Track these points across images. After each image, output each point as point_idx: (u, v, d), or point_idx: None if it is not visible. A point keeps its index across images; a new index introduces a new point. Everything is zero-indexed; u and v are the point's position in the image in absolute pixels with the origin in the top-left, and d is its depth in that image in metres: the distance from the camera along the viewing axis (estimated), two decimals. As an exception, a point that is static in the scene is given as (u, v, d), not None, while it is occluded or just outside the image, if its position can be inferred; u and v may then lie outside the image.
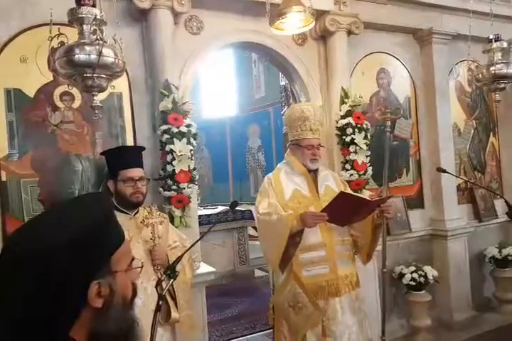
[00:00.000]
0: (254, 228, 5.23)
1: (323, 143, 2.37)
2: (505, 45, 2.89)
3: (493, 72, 2.80)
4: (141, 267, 0.86)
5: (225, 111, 7.64)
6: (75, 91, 2.35)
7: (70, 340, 0.70)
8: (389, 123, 2.73)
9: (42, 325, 0.67)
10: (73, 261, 0.68)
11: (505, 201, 2.57)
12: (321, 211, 2.05)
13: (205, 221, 4.07)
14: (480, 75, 2.86)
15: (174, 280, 1.65)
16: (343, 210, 2.03)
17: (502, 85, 2.85)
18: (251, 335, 3.58)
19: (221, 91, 7.67)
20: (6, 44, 2.28)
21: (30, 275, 0.66)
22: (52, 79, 2.33)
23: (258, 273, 5.53)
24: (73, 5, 1.83)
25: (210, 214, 4.77)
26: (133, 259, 0.80)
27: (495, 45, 2.84)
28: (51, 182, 2.30)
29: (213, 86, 7.59)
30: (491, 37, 2.89)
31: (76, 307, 0.70)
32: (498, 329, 3.48)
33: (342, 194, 2.05)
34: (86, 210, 0.76)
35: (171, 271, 1.64)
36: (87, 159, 2.41)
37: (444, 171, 2.69)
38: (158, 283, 1.65)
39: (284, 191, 2.21)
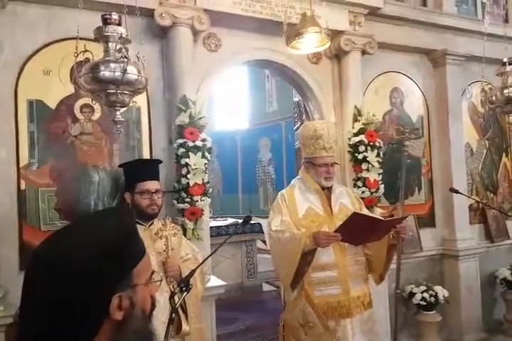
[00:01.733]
0: (263, 241, 5.19)
1: (337, 161, 2.34)
2: (519, 68, 2.87)
3: (506, 94, 2.78)
4: (161, 280, 0.85)
5: (237, 124, 7.70)
6: (92, 103, 2.38)
7: None
8: (407, 143, 2.71)
9: (65, 338, 0.68)
10: (98, 274, 0.69)
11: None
12: (335, 231, 2.01)
13: (214, 232, 4.03)
14: (493, 97, 2.84)
15: (188, 293, 1.63)
16: (357, 230, 1.99)
17: (515, 108, 2.82)
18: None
19: (234, 104, 7.74)
20: (30, 56, 2.34)
21: (56, 288, 0.67)
22: (73, 91, 2.38)
23: (266, 287, 5.47)
24: (98, 20, 1.87)
25: (220, 226, 4.74)
26: (153, 273, 0.80)
27: (509, 68, 2.83)
28: (68, 192, 2.31)
29: (226, 99, 7.66)
30: (505, 60, 2.88)
31: (98, 319, 0.70)
32: (508, 353, 3.40)
33: (355, 215, 2.00)
34: (111, 224, 0.77)
35: (185, 284, 1.63)
36: (104, 170, 2.43)
37: (457, 192, 2.65)
38: (172, 296, 1.63)
39: (297, 208, 2.18)
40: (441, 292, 3.18)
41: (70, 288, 0.67)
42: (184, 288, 1.69)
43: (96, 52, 1.84)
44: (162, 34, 2.61)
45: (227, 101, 7.70)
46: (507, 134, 4.10)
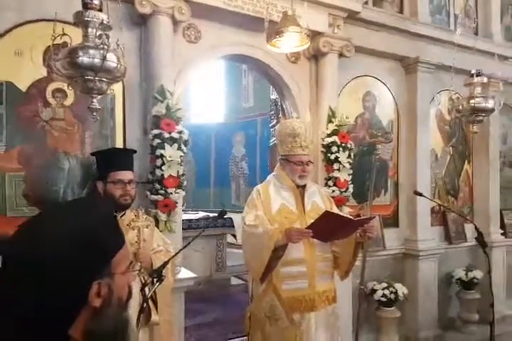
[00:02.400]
0: (234, 236, 5.20)
1: (311, 160, 2.38)
2: (485, 80, 3.02)
3: (472, 104, 2.92)
4: (139, 270, 0.87)
5: (212, 117, 7.62)
6: (67, 88, 2.30)
7: (68, 338, 0.72)
8: (379, 146, 2.79)
9: (44, 324, 0.69)
10: (78, 262, 0.70)
11: (476, 227, 2.63)
12: (307, 228, 2.05)
13: (185, 225, 3.96)
14: (460, 107, 2.98)
15: (160, 284, 1.63)
16: (328, 228, 2.05)
17: (480, 118, 2.98)
18: (227, 341, 3.53)
19: (210, 98, 7.66)
20: (1, 36, 2.22)
21: (35, 274, 0.69)
22: (46, 75, 2.29)
23: (234, 280, 5.49)
24: (76, 3, 1.81)
25: (191, 220, 4.70)
26: (131, 262, 0.83)
27: (476, 79, 2.96)
28: (37, 178, 2.22)
29: (202, 92, 7.56)
30: (472, 71, 3.01)
31: (77, 305, 0.72)
32: (460, 349, 3.57)
33: (326, 213, 2.06)
34: (93, 213, 0.79)
35: (157, 274, 1.63)
36: (75, 158, 2.35)
37: (421, 195, 2.75)
38: (144, 286, 1.63)
39: (271, 204, 2.21)
40: (401, 289, 3.31)
41: (50, 274, 0.69)
42: (156, 279, 1.69)
43: (74, 36, 1.78)
44: (141, 21, 2.55)
45: (203, 94, 7.60)
46: (470, 142, 4.30)
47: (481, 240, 2.61)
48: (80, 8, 2.01)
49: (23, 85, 2.24)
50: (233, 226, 5.14)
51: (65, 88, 2.22)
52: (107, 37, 1.64)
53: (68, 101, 2.33)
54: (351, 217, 2.28)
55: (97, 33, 1.64)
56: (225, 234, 5.14)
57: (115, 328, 0.77)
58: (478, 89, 2.95)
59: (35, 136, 2.24)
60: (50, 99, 2.28)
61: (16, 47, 2.24)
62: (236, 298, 4.74)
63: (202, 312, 4.25)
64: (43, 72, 2.27)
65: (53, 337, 0.71)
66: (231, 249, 5.48)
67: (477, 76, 2.95)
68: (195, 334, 3.71)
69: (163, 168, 2.38)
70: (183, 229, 2.68)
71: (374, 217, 2.28)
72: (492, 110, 3.00)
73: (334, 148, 3.07)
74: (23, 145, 2.21)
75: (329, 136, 3.10)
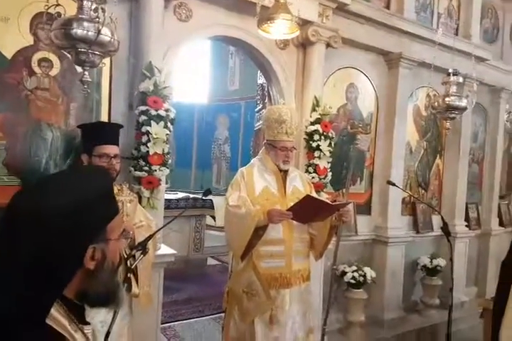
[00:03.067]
0: (213, 217, 5.21)
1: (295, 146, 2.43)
2: (461, 80, 3.13)
3: (447, 102, 3.02)
4: (132, 238, 0.90)
5: (196, 97, 7.47)
6: (53, 58, 2.24)
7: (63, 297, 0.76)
8: (359, 136, 2.84)
9: (41, 283, 0.72)
10: (76, 227, 0.73)
11: (442, 218, 2.76)
12: (287, 210, 2.11)
13: (164, 205, 3.97)
14: (436, 103, 3.08)
15: (144, 255, 1.66)
16: (307, 211, 2.13)
17: (453, 115, 3.10)
18: (199, 318, 3.58)
19: (195, 77, 7.48)
20: (-13, 2, 2.12)
21: (37, 236, 0.70)
22: (32, 43, 2.21)
23: (211, 261, 5.55)
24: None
25: (171, 200, 4.68)
26: (124, 230, 0.86)
27: (452, 78, 3.07)
28: (19, 148, 2.17)
29: (188, 70, 7.35)
30: (450, 71, 3.10)
31: (73, 267, 0.76)
32: (420, 330, 3.78)
33: (307, 197, 2.14)
34: (92, 181, 0.81)
35: (142, 247, 1.65)
36: (58, 129, 2.30)
37: (393, 184, 2.85)
38: (129, 257, 1.65)
39: (254, 186, 2.26)
40: (370, 273, 3.44)
41: (50, 237, 0.71)
42: (141, 252, 1.71)
43: (67, 7, 1.72)
44: (133, -6, 2.49)
45: (188, 72, 7.39)
46: (443, 138, 4.45)
47: (445, 230, 2.75)
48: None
49: (8, 52, 2.15)
50: (213, 208, 5.14)
51: (51, 57, 2.16)
52: (103, 11, 1.61)
53: (54, 72, 2.27)
54: (330, 202, 2.35)
55: (93, 6, 1.60)
56: (204, 216, 5.14)
57: (107, 290, 0.81)
58: (454, 88, 3.06)
59: (18, 105, 2.17)
60: (36, 68, 2.21)
61: (3, 14, 2.14)
62: (212, 277, 4.81)
63: (178, 289, 4.30)
64: (29, 39, 2.19)
65: (49, 295, 0.74)
66: (209, 230, 5.49)
67: (453, 75, 3.05)
68: (171, 310, 3.75)
69: (148, 144, 2.36)
70: (163, 209, 2.66)
71: (350, 203, 2.36)
72: (465, 108, 3.11)
73: (316, 136, 3.12)
74: (6, 113, 2.14)
75: (312, 124, 3.15)
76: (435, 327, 3.85)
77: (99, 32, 1.62)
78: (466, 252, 4.51)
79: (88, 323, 0.84)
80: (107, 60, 2.40)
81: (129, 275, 1.52)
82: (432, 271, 4.03)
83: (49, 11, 1.67)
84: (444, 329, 2.65)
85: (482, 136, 4.94)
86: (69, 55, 1.82)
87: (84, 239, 0.76)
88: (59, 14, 1.71)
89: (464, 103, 3.10)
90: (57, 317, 0.75)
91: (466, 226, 4.56)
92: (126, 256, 1.77)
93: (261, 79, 3.74)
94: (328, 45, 3.22)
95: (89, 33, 1.63)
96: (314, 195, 2.47)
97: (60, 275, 0.75)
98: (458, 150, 4.42)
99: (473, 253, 4.73)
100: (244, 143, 6.65)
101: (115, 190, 2.03)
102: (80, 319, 0.81)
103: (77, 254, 0.75)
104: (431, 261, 4.03)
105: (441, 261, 4.03)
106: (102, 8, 1.64)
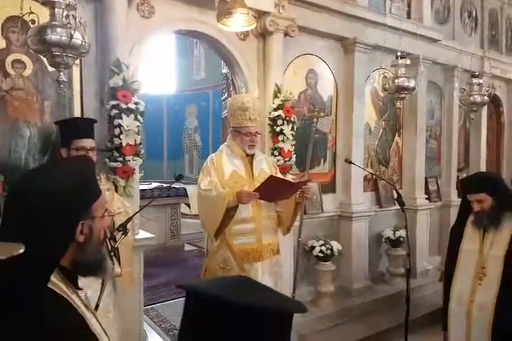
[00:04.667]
0: (188, 205, 5.51)
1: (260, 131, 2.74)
2: (408, 62, 3.53)
3: (397, 83, 3.41)
4: (113, 215, 1.13)
5: (164, 88, 7.65)
6: (26, 59, 2.46)
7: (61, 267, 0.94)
8: (316, 120, 3.20)
9: (42, 254, 0.87)
10: (68, 205, 0.91)
11: (396, 190, 3.15)
12: (254, 190, 2.44)
13: (140, 195, 4.20)
14: (387, 85, 3.46)
15: (126, 235, 1.95)
16: (272, 190, 2.46)
17: (403, 95, 3.51)
18: (179, 299, 3.92)
19: (161, 68, 7.62)
20: (-43, 7, 2.31)
21: (35, 213, 0.87)
22: (4, 46, 2.42)
23: (188, 247, 5.90)
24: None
25: (145, 190, 4.92)
26: (106, 210, 1.06)
27: (400, 61, 3.46)
28: (-1, 145, 2.39)
29: (153, 62, 7.48)
30: (398, 54, 3.49)
31: (67, 240, 0.93)
32: (387, 297, 4.22)
33: (271, 177, 2.47)
34: (79, 167, 1.02)
35: (123, 228, 1.94)
36: (35, 126, 2.53)
37: (351, 162, 3.22)
38: (111, 238, 1.93)
39: (224, 171, 2.57)
40: (336, 246, 3.86)
41: (48, 214, 0.87)
42: (122, 232, 2.00)
43: (40, 14, 1.95)
44: (97, -4, 2.71)
45: (154, 64, 7.53)
46: (400, 117, 4.89)
47: (399, 200, 3.17)
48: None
49: (-19, 56, 2.35)
50: (187, 196, 5.42)
51: (24, 59, 2.38)
52: (74, 17, 1.86)
53: (27, 72, 2.49)
54: (292, 181, 2.71)
55: (64, 13, 1.85)
56: (179, 204, 5.42)
57: (95, 259, 1.00)
58: (402, 70, 3.45)
59: (-5, 105, 2.39)
60: (10, 70, 2.43)
61: (-27, 19, 2.33)
62: (190, 262, 5.15)
63: (157, 275, 4.63)
64: (1, 43, 2.40)
65: (50, 263, 0.90)
66: (185, 218, 5.79)
67: (401, 58, 3.44)
68: (151, 294, 4.08)
69: (121, 136, 2.62)
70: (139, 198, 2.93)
71: (310, 180, 2.73)
72: (413, 89, 3.52)
73: (279, 121, 3.46)
74: (-16, 113, 2.36)
75: (275, 110, 3.48)
76: (400, 293, 4.29)
77: (71, 37, 1.87)
78: (428, 223, 4.99)
79: (81, 289, 1.00)
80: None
81: (112, 254, 1.81)
82: (396, 242, 4.47)
83: (24, 17, 1.90)
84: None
85: (438, 113, 5.43)
86: (44, 59, 2.06)
87: (75, 217, 0.92)
88: (33, 21, 1.94)
89: (412, 84, 3.50)
90: (56, 282, 0.91)
91: (427, 199, 5.04)
92: (108, 237, 2.04)
93: (225, 69, 4.02)
94: (285, 34, 3.54)
95: (63, 38, 1.88)
96: (279, 176, 2.81)
97: (56, 248, 0.90)
98: (415, 128, 4.86)
99: (435, 224, 5.22)
100: (214, 131, 6.93)
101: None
102: (74, 284, 0.98)
103: (70, 229, 0.92)
104: (394, 233, 4.46)
105: (403, 233, 4.41)
106: (73, 15, 1.89)
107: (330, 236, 4.00)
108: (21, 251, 0.72)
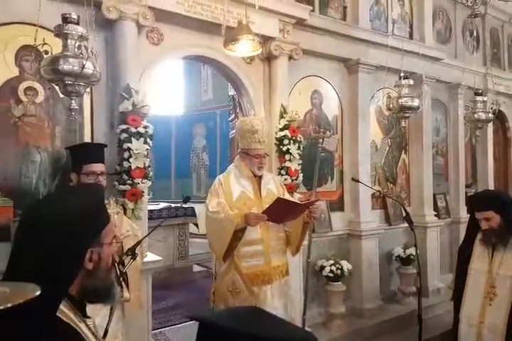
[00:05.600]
0: (196, 225, 5.46)
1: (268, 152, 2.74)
2: (411, 82, 3.54)
3: (400, 103, 3.41)
4: (121, 242, 1.11)
5: (173, 110, 7.79)
6: (38, 86, 2.50)
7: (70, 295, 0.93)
8: (321, 140, 3.20)
9: (54, 279, 0.87)
10: (79, 233, 0.91)
11: (404, 208, 3.10)
12: (262, 212, 2.42)
13: (148, 216, 4.14)
14: (391, 105, 3.45)
15: (134, 260, 1.92)
16: (280, 212, 2.44)
17: (407, 115, 3.50)
18: (188, 323, 3.82)
19: (169, 90, 7.76)
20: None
21: (50, 241, 0.88)
22: (17, 74, 2.47)
23: (196, 268, 5.79)
24: (46, 6, 2.02)
25: (153, 210, 4.89)
26: (115, 236, 1.06)
27: (404, 81, 3.47)
28: (10, 171, 2.42)
29: (163, 85, 7.61)
30: (401, 74, 3.50)
31: (77, 266, 0.93)
32: (399, 317, 4.08)
33: (279, 199, 2.45)
34: (90, 196, 1.03)
35: (132, 252, 1.91)
36: (45, 151, 2.56)
37: (357, 181, 3.19)
38: (119, 263, 1.90)
39: (232, 192, 2.55)
40: (346, 266, 3.78)
41: (58, 243, 0.88)
42: (131, 257, 1.97)
43: (53, 44, 2.00)
44: (108, 25, 2.77)
45: (163, 86, 7.67)
46: (406, 134, 4.87)
47: (407, 218, 3.10)
48: (48, 11, 2.25)
49: (-5, 83, 2.40)
50: (195, 216, 5.36)
51: (36, 86, 2.43)
52: (86, 48, 1.90)
53: (39, 99, 2.53)
54: (299, 201, 2.68)
55: (76, 44, 1.89)
56: (187, 224, 5.36)
57: (104, 286, 0.99)
58: (406, 90, 3.45)
59: (7, 131, 2.43)
60: (22, 97, 2.47)
61: (-11, 49, 2.39)
62: (198, 283, 5.04)
63: (166, 297, 4.53)
64: (15, 71, 2.45)
65: (59, 292, 0.89)
66: (193, 238, 5.72)
67: (405, 78, 3.45)
68: (160, 317, 3.99)
69: (130, 160, 2.64)
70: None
71: (317, 200, 2.70)
72: (417, 108, 3.52)
73: (286, 141, 3.46)
74: (-3, 139, 2.39)
75: (281, 130, 3.50)
76: (413, 313, 4.17)
77: (83, 67, 1.91)
78: (438, 240, 4.89)
79: (89, 317, 0.99)
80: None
81: (121, 279, 1.78)
82: (406, 261, 4.37)
83: (38, 47, 1.94)
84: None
85: (444, 129, 5.40)
86: (57, 87, 2.10)
87: (85, 245, 0.93)
88: (46, 52, 1.98)
89: (416, 103, 3.50)
90: (64, 310, 0.90)
91: (436, 215, 4.95)
92: (117, 262, 2.02)
93: (232, 91, 4.06)
94: (290, 58, 3.58)
95: (75, 68, 1.92)
96: (287, 196, 2.79)
97: (67, 275, 0.90)
98: (421, 145, 4.83)
99: (445, 241, 5.13)
100: (222, 150, 6.99)
101: (104, 204, 2.31)
102: (82, 313, 0.97)
103: (79, 257, 0.92)
104: (404, 251, 4.37)
105: (413, 251, 4.34)
106: (85, 46, 1.93)
107: (340, 255, 3.93)
108: (37, 293, 0.70)
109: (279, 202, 2.43)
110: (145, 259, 2.71)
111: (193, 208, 5.30)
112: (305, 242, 2.81)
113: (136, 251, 2.09)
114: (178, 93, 7.87)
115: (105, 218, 1.01)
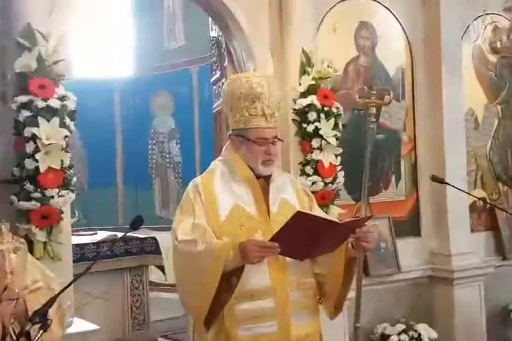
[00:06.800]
0: (160, 268, 5.42)
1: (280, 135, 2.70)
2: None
3: (514, 40, 3.33)
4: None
5: (115, 69, 7.74)
6: None
7: None
8: (374, 110, 3.12)
9: None
10: None
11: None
12: (271, 239, 2.37)
13: (76, 255, 4.06)
14: (499, 43, 3.36)
15: (45, 331, 1.89)
16: (302, 238, 2.38)
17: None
18: None
19: (108, 35, 7.70)
20: None
21: None
22: None
23: (163, 343, 5.82)
24: None
25: (86, 244, 4.85)
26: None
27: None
28: None
29: (95, 24, 7.51)
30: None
31: None
32: None
33: (299, 214, 2.38)
34: None
35: (40, 318, 1.88)
36: None
37: (442, 181, 3.11)
38: (20, 336, 1.88)
39: (218, 207, 2.49)
40: (428, 332, 3.74)
41: None
42: (40, 325, 1.95)
43: None
44: None
45: (97, 29, 7.55)
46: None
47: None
48: None
49: None
50: (159, 253, 5.28)
51: None
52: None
53: None
54: (336, 220, 2.64)
55: None
56: (146, 267, 5.29)
57: None
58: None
59: None
60: None
61: None
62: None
63: None
64: None
65: None
66: (157, 292, 5.68)
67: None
68: None
69: (36, 156, 2.61)
70: (72, 261, 2.88)
71: (371, 217, 2.65)
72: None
73: (312, 115, 3.42)
74: None
75: (304, 95, 3.46)
76: None
77: None
78: None
79: None
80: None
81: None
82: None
83: None
84: None
85: None
86: None
87: None
88: None
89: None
90: None
91: None
92: (15, 335, 2.00)
93: (215, 31, 4.04)
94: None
95: None
96: (317, 211, 2.75)
97: None
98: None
99: None
100: (204, 135, 6.85)
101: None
102: None
103: None
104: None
105: None
106: None
107: (415, 316, 3.91)
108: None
109: (301, 218, 2.38)
110: (69, 330, 2.71)
111: (154, 239, 5.27)
112: (351, 294, 2.78)
113: (49, 316, 2.08)
114: (124, 40, 7.81)
115: None
